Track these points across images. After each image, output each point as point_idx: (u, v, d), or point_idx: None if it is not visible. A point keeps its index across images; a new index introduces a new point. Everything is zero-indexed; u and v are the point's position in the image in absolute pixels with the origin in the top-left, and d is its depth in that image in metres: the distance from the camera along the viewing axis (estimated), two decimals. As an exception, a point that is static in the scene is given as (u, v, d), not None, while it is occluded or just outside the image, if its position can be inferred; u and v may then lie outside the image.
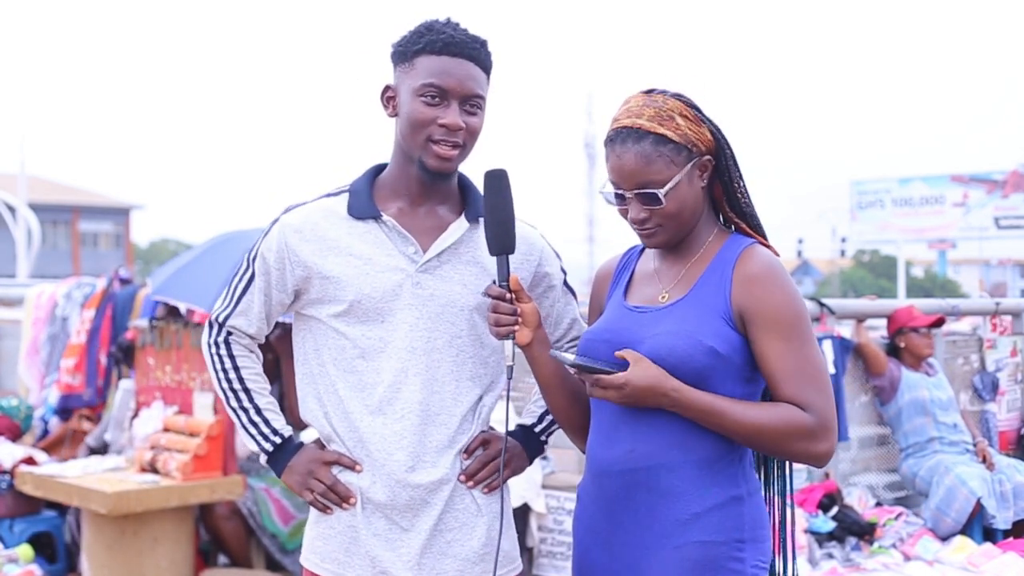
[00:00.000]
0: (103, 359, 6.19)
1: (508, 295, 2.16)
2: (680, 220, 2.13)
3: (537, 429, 2.43)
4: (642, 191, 2.10)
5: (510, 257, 2.19)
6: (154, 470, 4.98)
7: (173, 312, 5.48)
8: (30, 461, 5.48)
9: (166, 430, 5.14)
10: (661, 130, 2.10)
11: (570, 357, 2.08)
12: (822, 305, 5.70)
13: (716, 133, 2.16)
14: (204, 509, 5.23)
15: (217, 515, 5.24)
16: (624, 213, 2.16)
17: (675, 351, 2.05)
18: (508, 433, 2.31)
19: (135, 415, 5.45)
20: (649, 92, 2.16)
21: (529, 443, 2.42)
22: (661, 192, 2.09)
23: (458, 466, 2.27)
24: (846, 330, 5.92)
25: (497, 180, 2.17)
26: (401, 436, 2.22)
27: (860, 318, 5.88)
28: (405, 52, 2.23)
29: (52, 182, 49.72)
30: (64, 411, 6.22)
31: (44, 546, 5.54)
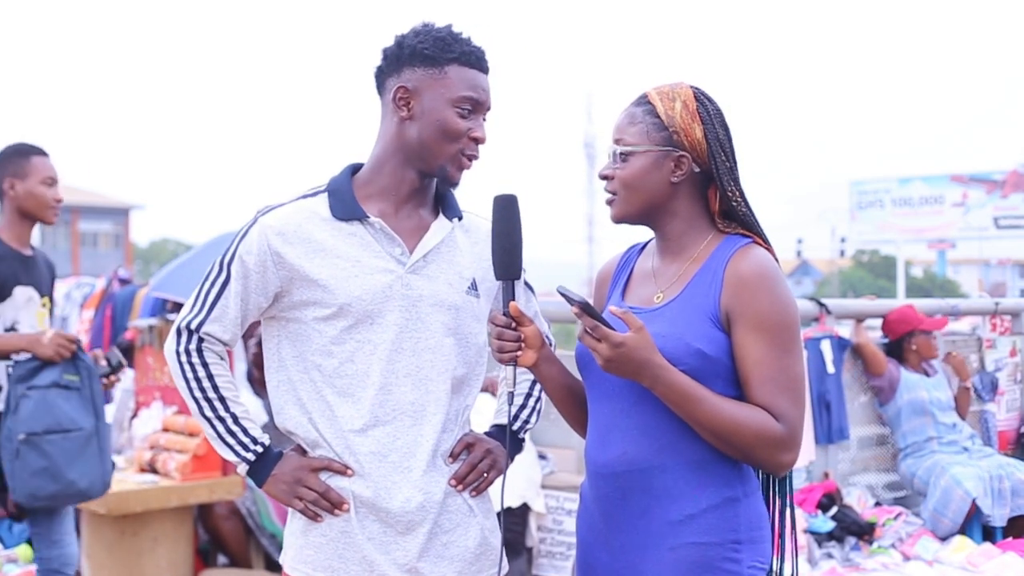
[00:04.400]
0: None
1: (512, 323, 2.15)
2: (633, 196, 2.14)
3: (514, 427, 2.44)
4: (615, 147, 2.16)
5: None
6: (153, 470, 4.98)
7: (178, 309, 5.48)
8: (30, 461, 5.47)
9: (165, 430, 5.15)
10: (656, 103, 2.14)
11: (577, 296, 2.04)
12: (821, 305, 5.70)
13: (711, 140, 2.13)
14: (203, 509, 5.23)
15: (216, 515, 5.24)
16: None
17: (663, 353, 2.03)
18: (486, 434, 2.38)
19: (134, 415, 5.46)
20: (692, 84, 2.19)
21: (506, 441, 2.40)
22: (624, 150, 2.13)
23: (446, 467, 2.26)
24: (845, 330, 5.91)
25: (508, 205, 2.15)
26: (395, 438, 2.21)
27: (859, 318, 5.88)
28: (434, 58, 2.21)
29: (52, 182, 49.64)
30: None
31: (44, 546, 5.53)
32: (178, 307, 5.53)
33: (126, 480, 4.88)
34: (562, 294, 2.10)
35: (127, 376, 5.62)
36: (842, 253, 46.79)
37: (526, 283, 2.45)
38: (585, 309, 2.01)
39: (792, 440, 2.03)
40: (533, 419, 2.47)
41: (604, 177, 2.19)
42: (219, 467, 4.98)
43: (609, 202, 2.19)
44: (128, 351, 5.70)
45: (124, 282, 6.60)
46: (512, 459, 2.40)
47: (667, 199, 2.16)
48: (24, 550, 5.19)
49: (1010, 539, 5.40)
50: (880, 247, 46.77)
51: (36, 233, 4.14)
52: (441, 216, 2.30)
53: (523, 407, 2.45)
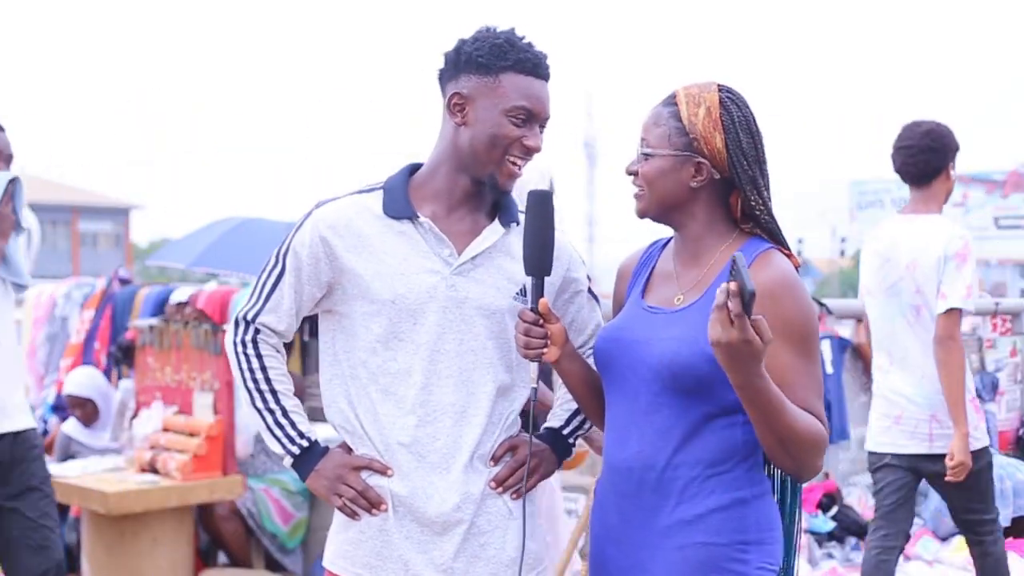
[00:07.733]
0: (103, 360, 6.19)
1: (539, 319, 2.16)
2: (652, 194, 2.16)
3: (565, 431, 2.42)
4: (640, 144, 2.18)
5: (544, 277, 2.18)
6: (154, 470, 4.98)
7: (181, 309, 5.47)
8: (30, 461, 5.47)
9: (166, 430, 5.14)
10: (682, 107, 2.14)
11: (751, 283, 1.78)
12: (821, 305, 5.70)
13: (732, 148, 2.11)
14: (204, 509, 5.23)
15: (217, 515, 5.24)
16: None
17: (678, 358, 2.04)
18: (537, 436, 2.35)
19: (135, 415, 5.46)
20: (722, 86, 2.18)
21: (557, 446, 2.40)
22: (646, 150, 2.14)
23: (486, 470, 2.26)
24: (845, 330, 5.92)
25: (543, 201, 2.17)
26: (434, 438, 2.22)
27: (859, 318, 5.88)
28: (488, 66, 2.21)
29: (52, 182, 49.71)
30: (62, 409, 6.22)
31: (44, 546, 5.53)
32: (180, 309, 5.51)
33: (126, 480, 4.88)
34: (736, 263, 1.82)
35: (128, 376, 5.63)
36: (842, 253, 46.76)
37: (590, 291, 2.41)
38: (749, 296, 1.80)
39: (826, 444, 2.07)
40: (588, 424, 2.43)
41: (630, 173, 2.20)
42: (219, 467, 4.98)
43: (636, 196, 2.21)
44: (128, 351, 5.70)
45: (124, 282, 6.60)
46: (560, 464, 2.40)
47: (686, 202, 2.16)
48: (24, 550, 5.19)
49: (1010, 539, 5.40)
50: (880, 247, 46.65)
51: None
52: (496, 221, 2.30)
53: (579, 411, 2.41)
